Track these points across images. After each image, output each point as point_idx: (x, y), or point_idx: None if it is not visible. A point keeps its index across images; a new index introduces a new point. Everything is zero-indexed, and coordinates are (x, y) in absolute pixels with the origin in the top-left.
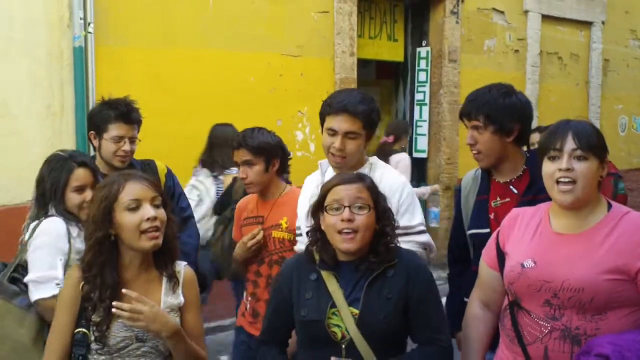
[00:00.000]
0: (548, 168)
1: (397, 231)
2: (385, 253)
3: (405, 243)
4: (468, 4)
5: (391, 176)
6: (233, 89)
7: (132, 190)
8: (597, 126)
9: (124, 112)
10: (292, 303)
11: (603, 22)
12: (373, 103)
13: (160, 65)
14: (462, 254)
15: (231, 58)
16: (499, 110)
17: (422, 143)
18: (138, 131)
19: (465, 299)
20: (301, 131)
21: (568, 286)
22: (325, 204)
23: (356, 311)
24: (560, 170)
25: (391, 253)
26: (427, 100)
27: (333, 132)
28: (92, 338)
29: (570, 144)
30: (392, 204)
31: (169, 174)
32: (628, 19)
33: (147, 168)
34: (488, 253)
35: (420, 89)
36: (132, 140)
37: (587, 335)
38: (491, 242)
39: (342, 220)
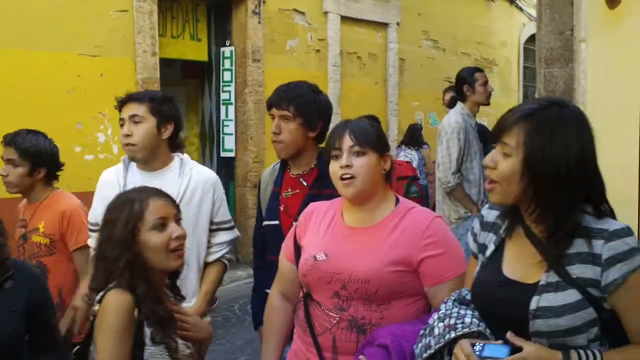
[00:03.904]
0: (332, 167)
1: (212, 227)
2: None
3: (221, 236)
4: (270, 5)
5: (204, 172)
6: (27, 90)
7: (157, 208)
8: (396, 122)
9: None
10: None
11: (398, 24)
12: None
13: None
14: (264, 246)
15: (24, 57)
16: (309, 104)
17: (229, 142)
18: None
19: (267, 291)
20: (103, 133)
21: (356, 278)
22: None
23: None
24: (341, 167)
25: (5, 265)
26: (232, 100)
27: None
28: None
29: (347, 141)
30: (208, 199)
31: None
32: (421, 21)
33: None
34: (287, 246)
35: (225, 88)
36: None
37: (372, 325)
38: (290, 235)
39: None
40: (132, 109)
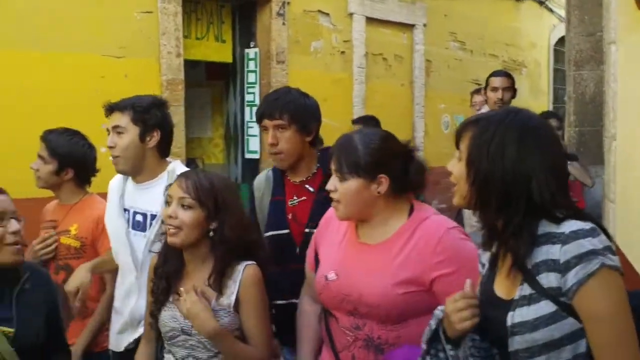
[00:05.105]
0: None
1: None
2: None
3: None
4: (294, 6)
5: None
6: (53, 92)
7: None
8: (422, 124)
9: None
10: None
11: (424, 25)
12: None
13: None
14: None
15: (49, 60)
16: (302, 109)
17: (253, 144)
18: None
19: (277, 302)
20: None
21: (365, 301)
22: None
23: (10, 330)
24: (330, 192)
25: (22, 266)
26: (257, 101)
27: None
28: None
29: (334, 165)
30: None
31: None
32: (447, 22)
33: None
34: (309, 255)
35: (250, 90)
36: None
37: (389, 344)
38: (311, 244)
39: None
40: (115, 119)
